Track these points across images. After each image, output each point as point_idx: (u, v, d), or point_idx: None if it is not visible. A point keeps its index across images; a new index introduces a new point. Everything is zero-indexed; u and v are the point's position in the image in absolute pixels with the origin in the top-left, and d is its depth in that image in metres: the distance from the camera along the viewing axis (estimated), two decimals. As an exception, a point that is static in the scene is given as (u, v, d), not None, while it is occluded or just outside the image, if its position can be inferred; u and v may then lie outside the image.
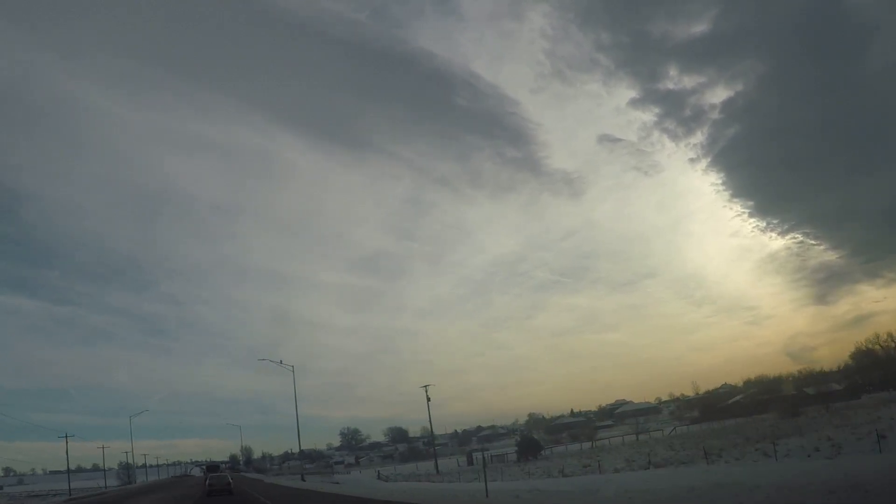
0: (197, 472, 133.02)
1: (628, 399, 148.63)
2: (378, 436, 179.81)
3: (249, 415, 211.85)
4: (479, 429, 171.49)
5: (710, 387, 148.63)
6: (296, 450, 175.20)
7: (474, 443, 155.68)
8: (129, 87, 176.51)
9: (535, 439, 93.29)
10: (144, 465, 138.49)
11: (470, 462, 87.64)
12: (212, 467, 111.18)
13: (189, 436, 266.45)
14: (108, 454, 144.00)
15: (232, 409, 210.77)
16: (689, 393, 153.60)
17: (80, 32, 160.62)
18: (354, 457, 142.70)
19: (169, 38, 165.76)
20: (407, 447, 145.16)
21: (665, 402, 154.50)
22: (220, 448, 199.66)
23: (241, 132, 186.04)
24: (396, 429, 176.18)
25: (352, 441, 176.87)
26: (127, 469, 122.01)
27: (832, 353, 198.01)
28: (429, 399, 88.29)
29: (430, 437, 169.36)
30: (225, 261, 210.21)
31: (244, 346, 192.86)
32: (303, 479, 62.89)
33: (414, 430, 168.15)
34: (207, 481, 51.09)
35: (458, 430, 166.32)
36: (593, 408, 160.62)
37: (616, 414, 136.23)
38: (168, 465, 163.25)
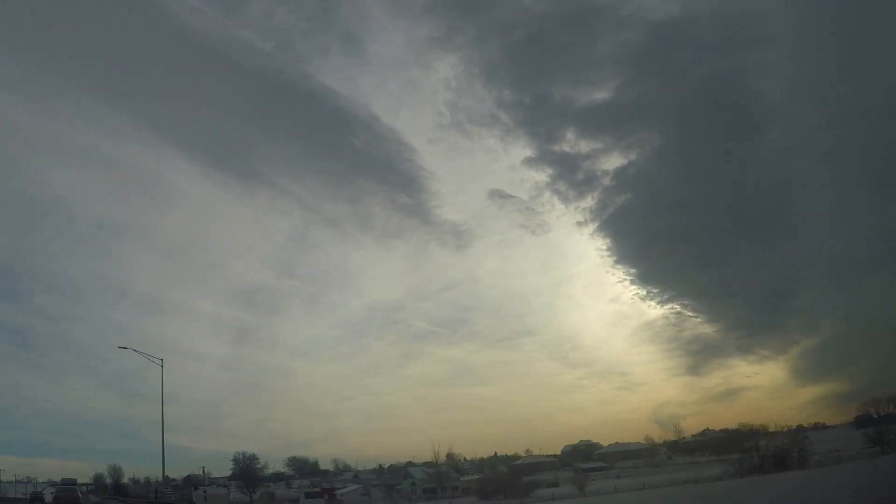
0: (49, 494, 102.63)
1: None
2: (276, 466, 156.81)
3: (114, 439, 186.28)
4: (392, 466, 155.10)
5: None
6: (167, 476, 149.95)
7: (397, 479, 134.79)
8: (26, 91, 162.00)
9: None
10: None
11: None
12: (66, 481, 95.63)
13: (51, 455, 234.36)
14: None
15: (97, 431, 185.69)
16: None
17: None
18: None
19: (74, 47, 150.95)
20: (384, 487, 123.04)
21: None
22: (80, 470, 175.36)
23: (133, 150, 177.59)
24: (301, 459, 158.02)
25: (246, 470, 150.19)
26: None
27: (699, 424, 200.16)
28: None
29: (347, 471, 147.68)
30: (103, 279, 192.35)
31: (114, 369, 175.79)
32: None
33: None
34: (55, 492, 54.43)
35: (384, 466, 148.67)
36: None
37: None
38: (17, 482, 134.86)
